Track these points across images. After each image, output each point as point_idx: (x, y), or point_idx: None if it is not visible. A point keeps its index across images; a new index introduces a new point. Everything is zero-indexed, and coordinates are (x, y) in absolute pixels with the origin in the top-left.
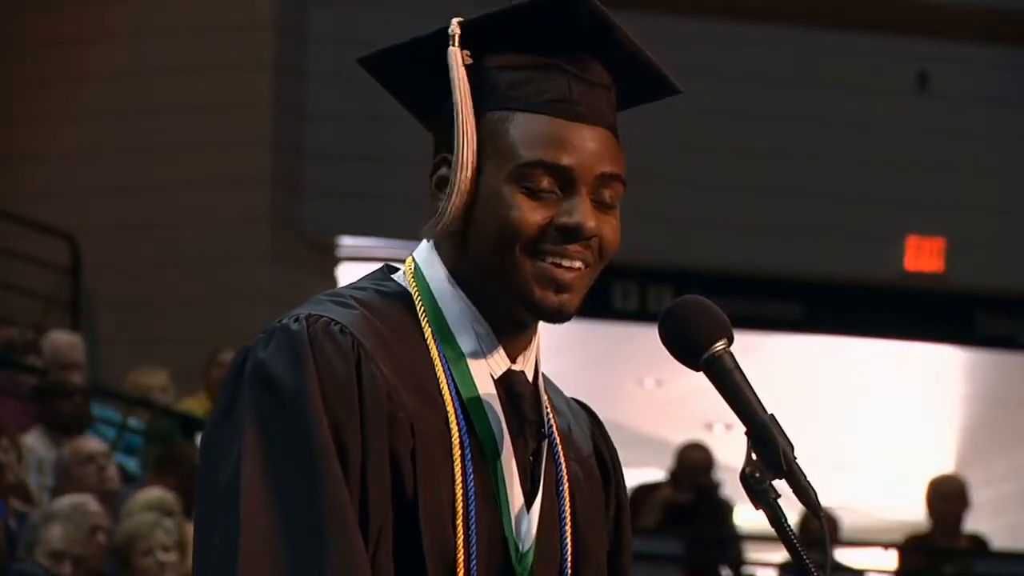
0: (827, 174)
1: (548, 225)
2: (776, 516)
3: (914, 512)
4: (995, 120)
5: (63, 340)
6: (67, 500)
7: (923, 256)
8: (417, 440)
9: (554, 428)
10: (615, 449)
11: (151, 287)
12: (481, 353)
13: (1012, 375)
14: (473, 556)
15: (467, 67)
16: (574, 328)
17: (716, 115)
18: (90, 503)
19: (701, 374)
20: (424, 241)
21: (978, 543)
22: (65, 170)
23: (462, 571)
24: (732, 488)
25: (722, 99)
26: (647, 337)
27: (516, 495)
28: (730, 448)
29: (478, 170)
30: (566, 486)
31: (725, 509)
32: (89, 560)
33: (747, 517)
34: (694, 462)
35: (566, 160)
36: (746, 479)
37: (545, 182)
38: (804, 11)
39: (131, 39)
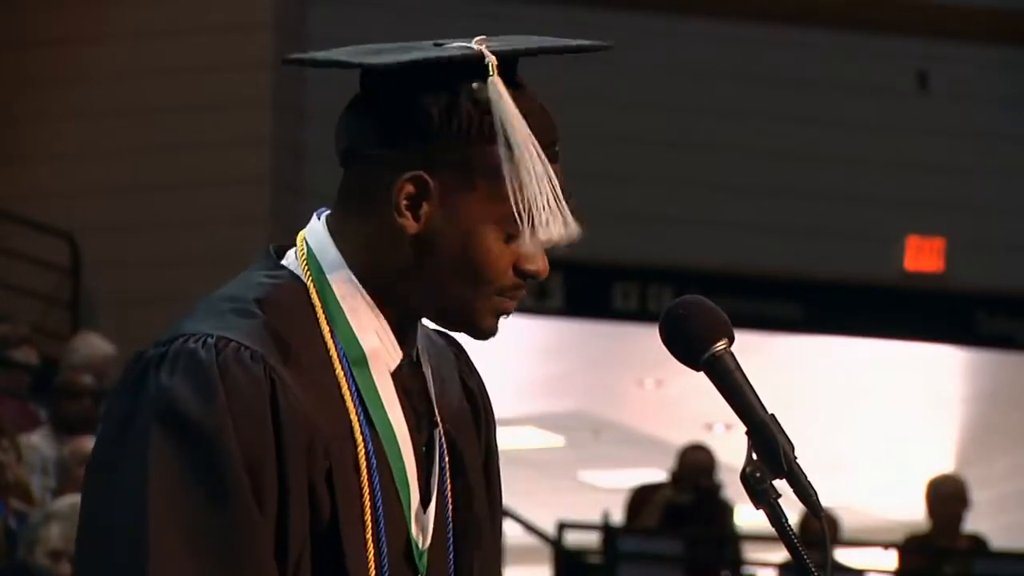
0: (827, 174)
1: (513, 267)
2: (776, 516)
3: (914, 512)
4: (995, 120)
5: (102, 349)
6: (67, 500)
7: (923, 256)
8: (332, 460)
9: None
10: (482, 381)
11: (151, 287)
12: (378, 348)
13: (1012, 375)
14: (384, 567)
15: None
16: (574, 328)
17: (715, 115)
18: None
19: (701, 374)
20: (316, 221)
21: (978, 543)
22: (65, 170)
23: None
24: (732, 488)
25: (721, 99)
26: (647, 337)
27: (414, 494)
28: (730, 448)
29: (453, 189)
30: (447, 464)
31: (725, 510)
32: None
33: (747, 517)
34: (696, 463)
35: None
36: (746, 479)
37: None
38: (804, 11)
39: (131, 39)
